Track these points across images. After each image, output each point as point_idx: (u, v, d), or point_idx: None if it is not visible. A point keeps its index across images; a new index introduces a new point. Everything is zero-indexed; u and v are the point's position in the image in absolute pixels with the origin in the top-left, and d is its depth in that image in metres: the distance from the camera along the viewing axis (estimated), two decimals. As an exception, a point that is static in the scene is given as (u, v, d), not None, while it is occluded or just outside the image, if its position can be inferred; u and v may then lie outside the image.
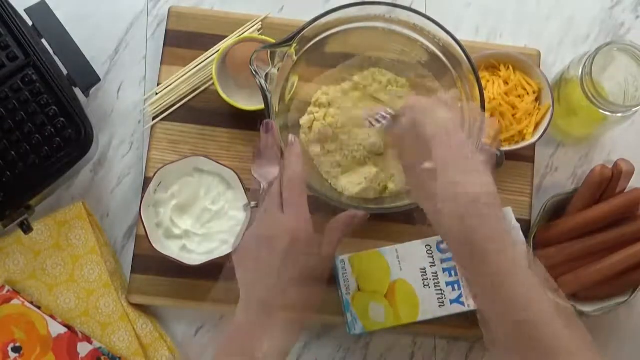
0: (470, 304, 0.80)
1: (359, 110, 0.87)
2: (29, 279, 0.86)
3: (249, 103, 0.87)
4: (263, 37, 0.88)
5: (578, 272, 0.84)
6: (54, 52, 0.84)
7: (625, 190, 0.85)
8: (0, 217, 0.80)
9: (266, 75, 0.77)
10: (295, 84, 0.85)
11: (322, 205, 0.82)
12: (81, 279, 0.86)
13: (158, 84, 0.91)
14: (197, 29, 0.92)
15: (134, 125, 0.92)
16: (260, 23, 0.92)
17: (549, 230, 0.85)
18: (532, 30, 0.97)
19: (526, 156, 0.91)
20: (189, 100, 0.90)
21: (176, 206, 0.84)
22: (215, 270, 0.85)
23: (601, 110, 0.82)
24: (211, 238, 0.83)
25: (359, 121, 0.86)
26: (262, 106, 0.77)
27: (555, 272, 0.85)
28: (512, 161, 0.89)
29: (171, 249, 0.83)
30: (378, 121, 0.70)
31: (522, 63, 0.89)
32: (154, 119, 0.90)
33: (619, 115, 0.82)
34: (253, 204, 0.71)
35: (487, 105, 0.82)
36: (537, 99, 0.89)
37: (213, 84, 0.88)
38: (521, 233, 0.84)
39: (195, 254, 0.82)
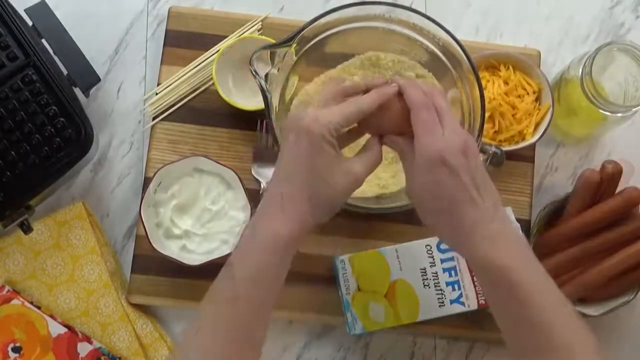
0: (470, 304, 0.80)
1: None
2: (29, 279, 0.86)
3: (249, 103, 0.87)
4: (263, 37, 0.88)
5: (579, 276, 0.83)
6: (54, 52, 0.84)
7: (621, 190, 0.85)
8: (0, 217, 0.80)
9: (266, 76, 0.77)
10: (295, 84, 0.85)
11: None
12: (81, 279, 0.86)
13: (158, 84, 0.91)
14: (197, 29, 0.92)
15: (134, 125, 0.92)
16: (260, 23, 0.92)
17: (547, 236, 0.85)
18: (532, 30, 0.97)
19: (526, 156, 0.91)
20: (189, 100, 0.90)
21: (176, 206, 0.84)
22: (215, 270, 0.85)
23: (601, 110, 0.82)
24: (211, 238, 0.83)
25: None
26: (262, 106, 0.77)
27: (558, 279, 0.85)
28: (512, 161, 0.89)
29: (171, 249, 0.83)
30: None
31: (522, 63, 0.89)
32: (154, 119, 0.90)
33: (619, 115, 0.82)
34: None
35: (487, 105, 0.82)
36: (537, 99, 0.89)
37: (213, 84, 0.88)
38: (521, 233, 0.84)
39: (195, 254, 0.82)
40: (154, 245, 0.81)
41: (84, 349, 0.83)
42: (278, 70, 0.79)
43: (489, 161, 0.78)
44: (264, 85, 0.76)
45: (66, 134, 0.82)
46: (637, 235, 0.83)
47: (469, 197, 0.63)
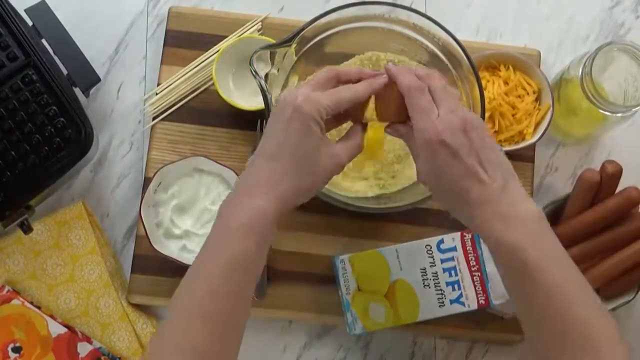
0: (470, 304, 0.80)
1: None
2: (29, 279, 0.86)
3: (249, 103, 0.87)
4: (263, 37, 0.88)
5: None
6: (54, 52, 0.84)
7: (621, 190, 0.85)
8: (0, 217, 0.80)
9: (266, 76, 0.77)
10: (295, 84, 0.85)
11: (322, 205, 0.82)
12: (81, 279, 0.86)
13: (158, 84, 0.91)
14: (197, 29, 0.92)
15: (134, 125, 0.92)
16: (260, 23, 0.92)
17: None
18: (532, 30, 0.97)
19: (526, 156, 0.91)
20: (189, 100, 0.90)
21: (176, 206, 0.84)
22: (215, 270, 0.85)
23: (601, 110, 0.82)
24: None
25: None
26: (262, 106, 0.77)
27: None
28: (512, 161, 0.87)
29: (171, 249, 0.83)
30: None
31: (522, 63, 0.89)
32: (154, 119, 0.90)
33: (619, 115, 0.82)
34: None
35: (487, 105, 0.82)
36: (537, 99, 0.89)
37: (213, 84, 0.88)
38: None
39: (195, 254, 0.82)
40: (154, 245, 0.81)
41: (84, 349, 0.83)
42: (278, 70, 0.79)
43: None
44: (264, 85, 0.76)
45: (66, 134, 0.82)
46: (637, 235, 0.83)
47: (474, 176, 0.61)
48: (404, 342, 0.89)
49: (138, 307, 0.87)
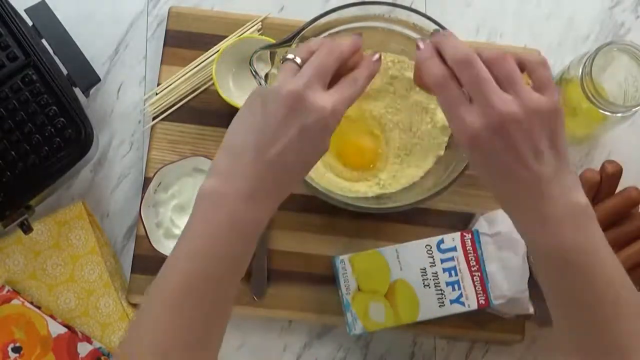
0: (470, 304, 0.80)
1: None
2: (29, 279, 0.86)
3: (249, 103, 0.87)
4: (263, 37, 0.88)
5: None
6: (54, 52, 0.84)
7: (621, 190, 0.85)
8: (0, 217, 0.80)
9: (266, 76, 0.77)
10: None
11: (322, 205, 0.82)
12: (81, 279, 0.86)
13: (158, 84, 0.91)
14: (197, 29, 0.92)
15: (134, 125, 0.92)
16: (260, 23, 0.92)
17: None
18: (532, 30, 0.97)
19: (526, 156, 0.90)
20: (189, 100, 0.90)
21: (176, 206, 0.84)
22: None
23: (601, 110, 0.82)
24: None
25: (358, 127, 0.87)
26: (262, 106, 0.77)
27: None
28: (512, 161, 0.89)
29: (171, 249, 0.82)
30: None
31: (522, 63, 0.89)
32: (154, 119, 0.90)
33: (619, 115, 0.82)
34: None
35: (487, 105, 0.82)
36: (537, 99, 0.89)
37: (213, 84, 0.88)
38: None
39: None
40: (154, 245, 0.81)
41: (84, 349, 0.83)
42: (278, 71, 0.79)
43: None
44: (264, 85, 0.76)
45: (66, 134, 0.81)
46: (637, 235, 0.83)
47: (511, 176, 0.55)
48: (404, 342, 0.89)
49: (138, 307, 0.87)
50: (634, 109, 0.82)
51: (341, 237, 0.88)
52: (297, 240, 0.88)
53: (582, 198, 0.56)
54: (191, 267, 0.59)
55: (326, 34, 0.81)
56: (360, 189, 0.85)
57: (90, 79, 0.85)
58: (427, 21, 0.79)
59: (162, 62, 0.91)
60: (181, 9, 0.93)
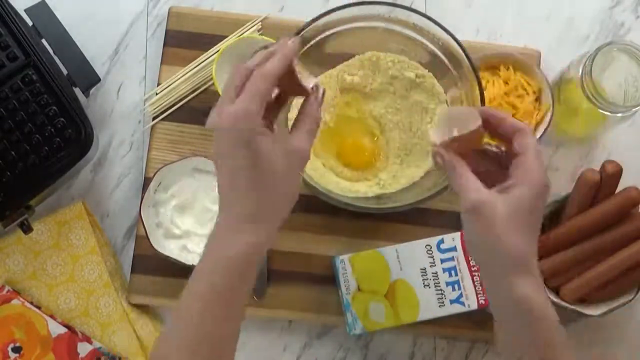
0: (470, 304, 0.80)
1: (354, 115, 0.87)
2: (29, 279, 0.86)
3: (249, 103, 0.87)
4: (263, 37, 0.88)
5: (581, 278, 0.83)
6: (54, 52, 0.84)
7: (621, 190, 0.85)
8: (0, 217, 0.80)
9: (266, 75, 0.76)
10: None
11: (322, 205, 0.82)
12: (81, 279, 0.86)
13: (158, 84, 0.91)
14: (197, 29, 0.92)
15: (134, 125, 0.92)
16: (260, 23, 0.92)
17: (546, 239, 0.85)
18: (532, 30, 0.97)
19: (526, 156, 0.90)
20: (189, 100, 0.90)
21: (176, 206, 0.84)
22: (215, 270, 0.85)
23: (601, 110, 0.82)
24: None
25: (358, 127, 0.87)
26: (262, 106, 0.77)
27: (558, 279, 0.85)
28: (512, 161, 0.89)
29: (171, 249, 0.83)
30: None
31: (522, 63, 0.89)
32: (154, 119, 0.90)
33: (619, 115, 0.82)
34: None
35: (487, 105, 0.82)
36: (537, 99, 0.89)
37: (213, 84, 0.88)
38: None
39: (196, 254, 0.82)
40: (154, 245, 0.81)
41: (84, 349, 0.83)
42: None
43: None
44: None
45: (66, 134, 0.82)
46: (637, 235, 0.83)
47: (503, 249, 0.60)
48: (404, 342, 0.89)
49: (138, 307, 0.87)
50: (634, 109, 0.82)
51: (341, 237, 0.88)
52: (297, 240, 0.88)
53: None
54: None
55: (326, 33, 0.81)
56: (360, 189, 0.85)
57: (90, 79, 0.85)
58: (427, 21, 0.79)
59: (162, 62, 0.91)
60: (181, 9, 0.93)
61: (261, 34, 0.92)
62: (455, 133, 0.61)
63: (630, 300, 0.83)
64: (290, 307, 0.87)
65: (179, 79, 0.90)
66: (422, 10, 0.91)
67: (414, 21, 0.81)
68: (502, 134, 0.63)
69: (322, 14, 0.79)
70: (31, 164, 0.81)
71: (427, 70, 0.85)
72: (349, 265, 0.81)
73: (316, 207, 0.87)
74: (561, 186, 0.92)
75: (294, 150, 0.60)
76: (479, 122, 0.61)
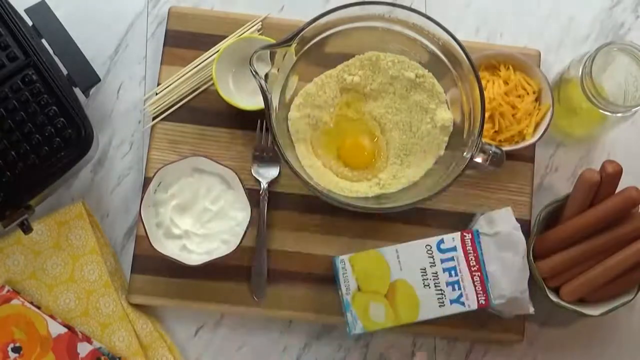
0: (470, 304, 0.80)
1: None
2: (29, 279, 0.86)
3: (249, 103, 0.87)
4: (263, 37, 0.88)
5: (581, 278, 0.83)
6: (54, 52, 0.84)
7: (621, 190, 0.85)
8: (1, 217, 0.80)
9: (266, 75, 0.77)
10: (295, 84, 0.85)
11: (322, 205, 0.82)
12: (81, 279, 0.86)
13: (158, 84, 0.91)
14: (197, 29, 0.92)
15: (134, 125, 0.92)
16: (260, 23, 0.92)
17: (546, 239, 0.85)
18: (532, 30, 0.97)
19: (526, 156, 0.91)
20: (189, 100, 0.90)
21: (176, 206, 0.84)
22: (215, 270, 0.85)
23: (601, 110, 0.82)
24: (211, 238, 0.83)
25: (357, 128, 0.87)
26: (262, 106, 0.77)
27: (558, 279, 0.85)
28: (512, 161, 0.89)
29: (171, 249, 0.83)
30: None
31: (522, 63, 0.89)
32: (154, 119, 0.90)
33: (619, 115, 0.82)
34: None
35: (487, 105, 0.82)
36: (537, 99, 0.89)
37: (213, 84, 0.88)
38: (521, 233, 0.84)
39: (195, 254, 0.82)
40: (154, 245, 0.81)
41: (84, 349, 0.83)
42: (278, 70, 0.79)
43: (489, 161, 0.78)
44: (264, 85, 0.76)
45: (66, 134, 0.81)
46: (637, 235, 0.83)
47: None
48: (404, 342, 0.89)
49: (138, 307, 0.87)
50: (634, 109, 0.82)
51: (341, 237, 0.88)
52: (297, 240, 0.88)
53: None
54: None
55: (326, 33, 0.81)
56: (360, 189, 0.85)
57: (90, 79, 0.85)
58: (427, 21, 0.79)
59: (162, 62, 0.91)
60: (181, 9, 0.93)
61: (261, 34, 0.92)
62: None
63: (630, 300, 0.83)
64: (290, 307, 0.87)
65: (179, 79, 0.90)
66: (422, 10, 0.92)
67: (413, 21, 0.81)
68: None
69: (322, 14, 0.79)
70: (31, 164, 0.81)
71: (427, 70, 0.85)
72: (349, 265, 0.81)
73: (316, 207, 0.87)
74: (561, 186, 0.93)
75: None
76: None
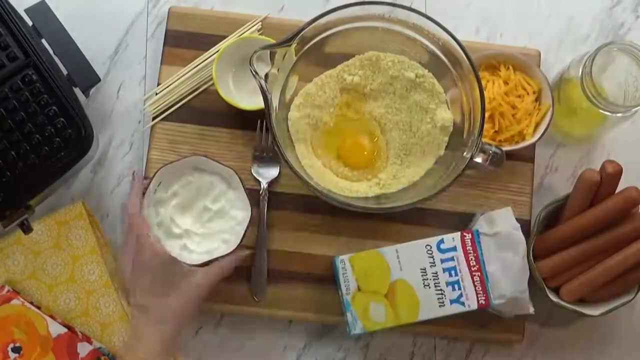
0: (470, 304, 0.80)
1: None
2: (29, 279, 0.86)
3: (249, 103, 0.87)
4: (263, 37, 0.88)
5: (581, 278, 0.83)
6: (54, 52, 0.84)
7: (621, 190, 0.85)
8: (0, 217, 0.80)
9: (266, 75, 0.77)
10: (295, 84, 0.85)
11: (322, 205, 0.82)
12: (81, 279, 0.86)
13: (158, 84, 0.91)
14: (197, 29, 0.92)
15: (134, 125, 0.92)
16: (260, 23, 0.92)
17: (546, 239, 0.85)
18: (532, 30, 0.97)
19: (526, 156, 0.91)
20: (189, 100, 0.90)
21: (176, 205, 0.84)
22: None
23: (601, 110, 0.82)
24: (212, 237, 0.83)
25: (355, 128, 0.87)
26: (262, 106, 0.77)
27: (558, 279, 0.85)
28: (512, 161, 0.89)
29: (171, 248, 0.82)
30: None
31: (522, 63, 0.89)
32: (154, 119, 0.90)
33: (619, 115, 0.82)
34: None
35: (487, 105, 0.82)
36: (537, 99, 0.89)
37: (213, 84, 0.88)
38: (521, 233, 0.84)
39: (196, 253, 0.82)
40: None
41: (84, 349, 0.83)
42: (278, 70, 0.79)
43: (489, 161, 0.78)
44: (264, 85, 0.76)
45: (66, 134, 0.81)
46: (637, 235, 0.83)
47: None
48: (404, 342, 0.89)
49: (138, 307, 0.87)
50: (634, 109, 0.82)
51: (341, 237, 0.88)
52: (297, 240, 0.88)
53: None
54: None
55: (326, 33, 0.81)
56: (360, 189, 0.85)
57: (90, 79, 0.85)
58: (427, 21, 0.79)
59: (162, 62, 0.91)
60: (181, 9, 0.93)
61: (261, 34, 0.92)
62: None
63: (630, 300, 0.83)
64: (290, 307, 0.87)
65: (178, 79, 0.90)
66: (422, 10, 0.92)
67: (413, 21, 0.81)
68: None
69: (322, 14, 0.79)
70: (31, 164, 0.81)
71: (427, 70, 0.85)
72: (349, 265, 0.81)
73: (316, 207, 0.87)
74: (561, 186, 0.93)
75: (194, 285, 0.78)
76: None
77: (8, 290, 0.84)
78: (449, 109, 0.85)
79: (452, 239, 0.81)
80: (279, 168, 0.88)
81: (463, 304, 0.80)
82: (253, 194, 0.85)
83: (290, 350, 0.88)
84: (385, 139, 0.88)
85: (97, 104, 0.92)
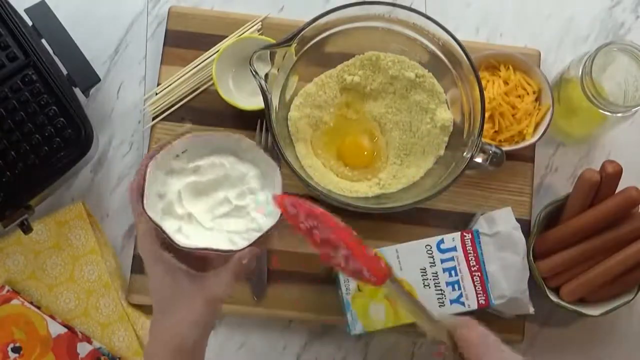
0: (470, 304, 0.80)
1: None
2: (29, 279, 0.86)
3: (249, 103, 0.87)
4: (263, 37, 0.88)
5: (581, 278, 0.83)
6: (54, 52, 0.84)
7: (621, 190, 0.85)
8: (1, 217, 0.80)
9: (266, 75, 0.77)
10: (295, 84, 0.85)
11: (322, 205, 0.82)
12: (81, 279, 0.86)
13: (158, 84, 0.91)
14: (197, 29, 0.92)
15: (134, 125, 0.92)
16: (260, 23, 0.92)
17: (546, 239, 0.85)
18: (532, 30, 0.97)
19: (526, 156, 0.91)
20: (189, 101, 0.90)
21: (192, 184, 0.68)
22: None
23: (601, 110, 0.82)
24: (217, 235, 0.68)
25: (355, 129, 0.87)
26: (262, 106, 0.77)
27: (558, 279, 0.85)
28: (512, 161, 0.89)
29: (165, 227, 0.65)
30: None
31: (522, 63, 0.89)
32: (154, 119, 0.90)
33: (619, 115, 0.82)
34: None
35: (487, 105, 0.82)
36: (537, 99, 0.89)
37: (213, 84, 0.88)
38: (521, 233, 0.84)
39: (190, 239, 0.66)
40: (147, 211, 0.64)
41: (84, 349, 0.83)
42: (278, 70, 0.79)
43: (489, 161, 0.78)
44: (264, 85, 0.76)
45: (66, 134, 0.82)
46: (637, 235, 0.83)
47: None
48: (404, 342, 0.89)
49: (138, 307, 0.87)
50: (634, 109, 0.82)
51: (341, 237, 0.88)
52: (297, 240, 0.87)
53: None
54: None
55: (326, 33, 0.81)
56: (360, 189, 0.85)
57: (90, 79, 0.85)
58: (427, 21, 0.79)
59: (162, 62, 0.91)
60: (181, 9, 0.93)
61: (261, 34, 0.92)
62: None
63: (630, 300, 0.83)
64: (290, 307, 0.87)
65: (178, 79, 0.90)
66: (422, 10, 0.92)
67: (414, 21, 0.81)
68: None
69: (322, 14, 0.79)
70: (31, 164, 0.81)
71: (427, 70, 0.85)
72: (349, 265, 0.81)
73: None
74: (561, 186, 0.93)
75: (210, 295, 0.66)
76: None
77: (8, 290, 0.84)
78: (449, 109, 0.85)
79: (452, 239, 0.81)
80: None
81: (463, 304, 0.80)
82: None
83: (290, 350, 0.88)
84: (385, 139, 0.88)
85: (97, 104, 0.92)
